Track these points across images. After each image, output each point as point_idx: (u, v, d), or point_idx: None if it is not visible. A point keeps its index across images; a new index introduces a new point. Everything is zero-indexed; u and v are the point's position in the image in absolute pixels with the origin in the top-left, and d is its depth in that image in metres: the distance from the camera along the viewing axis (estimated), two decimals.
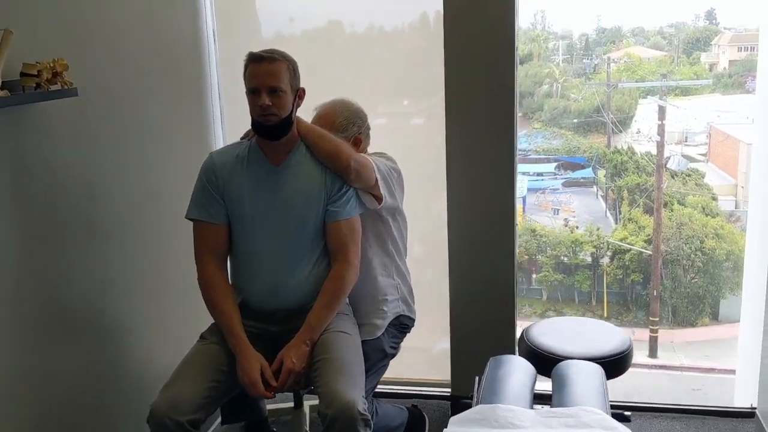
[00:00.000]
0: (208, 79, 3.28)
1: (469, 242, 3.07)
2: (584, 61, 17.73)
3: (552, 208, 15.71)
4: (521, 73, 17.97)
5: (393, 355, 2.77)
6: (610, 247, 13.90)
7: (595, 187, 16.19)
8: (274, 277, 2.46)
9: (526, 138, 17.05)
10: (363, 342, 2.62)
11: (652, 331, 13.09)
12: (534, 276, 14.29)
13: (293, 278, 2.46)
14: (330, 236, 2.48)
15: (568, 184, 16.27)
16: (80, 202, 2.52)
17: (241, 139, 2.57)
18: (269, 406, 2.98)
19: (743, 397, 3.37)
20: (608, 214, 15.44)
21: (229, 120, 3.36)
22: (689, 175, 14.17)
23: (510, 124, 3.01)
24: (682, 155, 14.48)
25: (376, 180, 2.52)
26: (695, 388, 12.13)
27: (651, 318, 13.16)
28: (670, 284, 13.51)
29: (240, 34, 3.49)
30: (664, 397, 11.76)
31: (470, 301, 3.13)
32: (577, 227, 14.63)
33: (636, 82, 16.46)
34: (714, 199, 13.73)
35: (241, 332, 2.37)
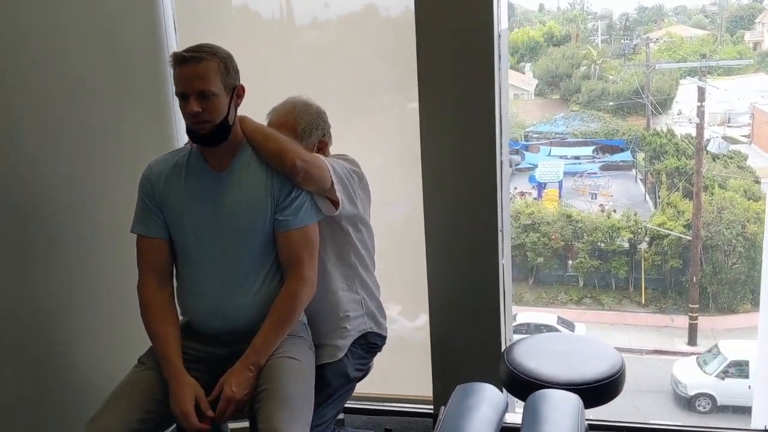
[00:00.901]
0: (168, 78, 3.02)
1: (449, 248, 2.78)
2: (623, 41, 17.15)
3: (589, 192, 15.26)
4: (558, 54, 17.69)
5: (359, 378, 2.50)
6: (648, 232, 13.42)
7: (633, 170, 15.67)
8: (218, 295, 2.21)
9: (564, 121, 16.60)
10: (323, 366, 2.36)
11: (691, 318, 12.67)
12: (570, 262, 13.88)
13: (240, 297, 2.21)
14: (281, 248, 2.22)
15: (606, 167, 15.78)
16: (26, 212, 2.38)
17: (185, 144, 2.32)
18: (232, 426, 2.74)
19: (760, 418, 3.04)
20: (647, 198, 14.94)
21: None
22: (731, 158, 13.59)
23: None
24: (723, 137, 13.89)
25: (332, 182, 2.24)
26: None
27: (690, 305, 12.72)
28: (710, 270, 13.02)
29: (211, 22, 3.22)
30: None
31: (452, 312, 2.85)
32: (614, 211, 14.17)
33: (677, 62, 15.86)
34: (757, 182, 13.13)
35: (176, 358, 2.13)
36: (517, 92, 17.12)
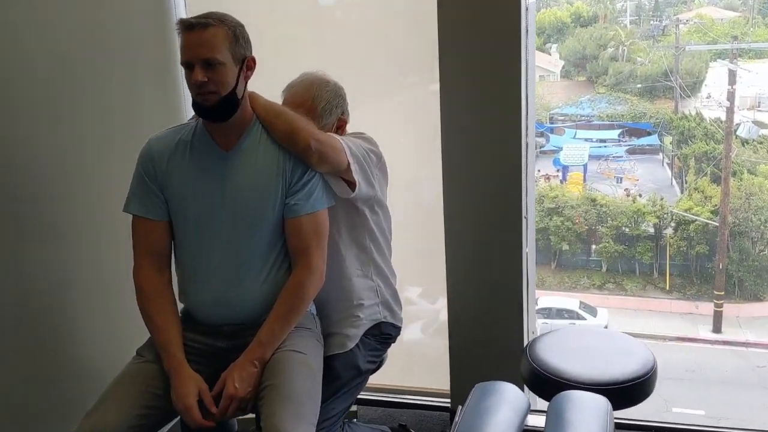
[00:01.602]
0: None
1: (470, 236, 2.60)
2: (652, 22, 16.74)
3: (615, 176, 14.96)
4: (585, 35, 17.30)
5: (373, 371, 2.35)
6: (674, 217, 13.14)
7: (660, 154, 15.34)
8: (221, 285, 2.06)
9: (590, 103, 16.27)
10: (333, 357, 2.21)
11: (716, 305, 12.42)
12: (593, 247, 13.64)
13: (244, 287, 2.05)
14: (290, 235, 2.06)
15: (633, 151, 15.47)
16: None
17: (191, 119, 2.16)
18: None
19: None
20: (674, 182, 14.63)
21: None
22: (761, 143, 13.23)
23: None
24: (753, 122, 13.52)
25: (348, 164, 2.08)
26: (760, 365, 11.50)
27: (716, 292, 12.46)
28: (737, 257, 12.74)
29: None
30: (727, 374, 11.19)
31: (472, 301, 2.67)
32: (640, 195, 13.89)
33: (707, 44, 15.46)
34: None
35: (178, 350, 1.99)
36: (542, 74, 16.81)
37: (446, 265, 2.65)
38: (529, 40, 2.51)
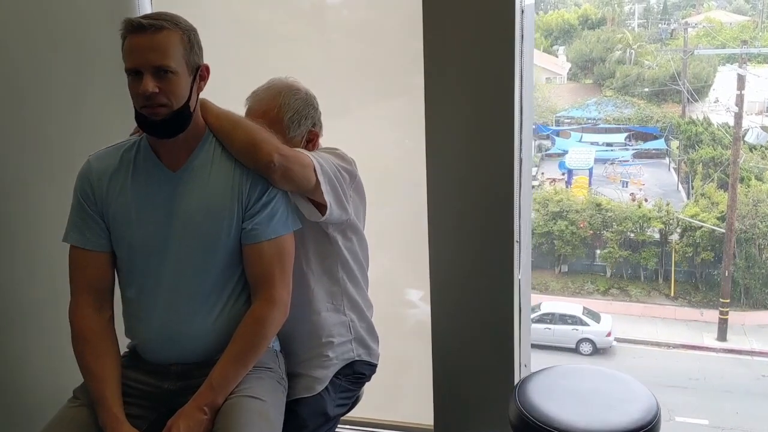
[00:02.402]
0: None
1: (457, 261, 2.34)
2: (660, 26, 16.49)
3: (620, 180, 14.72)
4: (592, 38, 17.08)
5: (342, 414, 2.08)
6: (680, 223, 12.89)
7: (667, 159, 15.09)
8: (169, 321, 1.79)
9: (596, 106, 16.04)
10: (298, 401, 1.94)
11: (722, 312, 12.20)
12: (598, 252, 13.41)
13: (195, 322, 1.79)
14: (249, 264, 1.80)
15: (639, 155, 15.23)
16: None
17: (131, 135, 1.89)
18: None
19: None
20: (680, 188, 14.38)
21: None
22: None
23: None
24: (761, 127, 13.24)
25: (318, 182, 1.81)
26: (765, 375, 11.26)
27: (722, 299, 12.21)
28: (744, 264, 12.51)
29: None
30: (731, 382, 10.95)
31: (458, 333, 2.41)
32: (645, 200, 13.64)
33: (715, 48, 15.19)
34: None
35: (114, 403, 1.72)
36: (549, 76, 16.58)
37: (431, 294, 2.39)
38: (525, 46, 2.25)
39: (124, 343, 1.88)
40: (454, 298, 2.37)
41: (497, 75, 2.16)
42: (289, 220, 1.82)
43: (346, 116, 2.66)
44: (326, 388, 1.98)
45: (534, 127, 12.95)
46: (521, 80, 2.24)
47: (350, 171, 1.95)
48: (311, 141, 2.01)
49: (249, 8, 2.70)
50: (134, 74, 1.67)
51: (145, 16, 1.67)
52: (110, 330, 1.81)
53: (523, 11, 2.20)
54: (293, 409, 1.92)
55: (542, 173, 14.35)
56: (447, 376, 2.45)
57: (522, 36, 2.22)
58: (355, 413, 2.34)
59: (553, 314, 12.18)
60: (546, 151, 15.12)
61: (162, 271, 1.78)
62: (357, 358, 2.06)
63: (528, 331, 2.55)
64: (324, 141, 2.06)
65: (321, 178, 1.82)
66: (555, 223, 13.21)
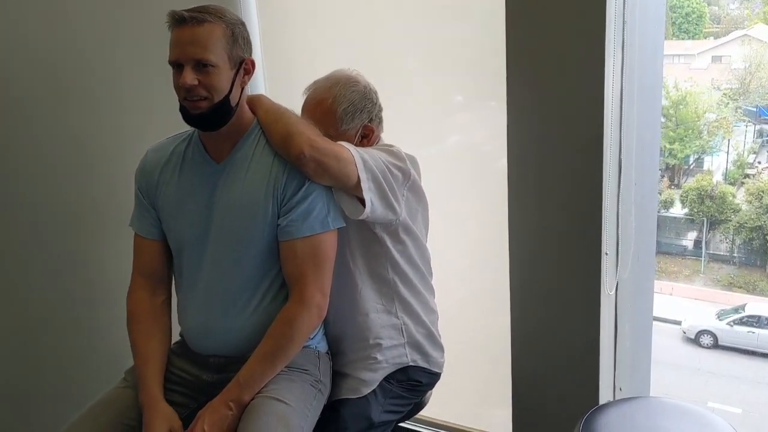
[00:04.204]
0: None
1: (537, 275, 2.13)
2: None
3: None
4: None
5: (395, 422, 1.98)
6: None
7: None
8: (206, 314, 1.80)
9: None
10: (341, 402, 1.87)
11: None
12: None
13: (230, 317, 1.78)
14: (283, 261, 1.76)
15: None
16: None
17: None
18: None
19: None
20: None
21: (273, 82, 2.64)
22: None
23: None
24: None
25: (359, 178, 1.72)
26: None
27: None
28: None
29: None
30: None
31: (537, 352, 2.20)
32: None
33: None
34: None
35: (153, 383, 1.76)
36: None
37: (511, 310, 2.20)
38: (628, 36, 1.97)
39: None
40: (534, 316, 2.18)
41: (584, 70, 1.91)
42: (329, 218, 1.74)
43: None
44: (374, 391, 1.90)
45: (754, 110, 11.74)
46: (622, 82, 1.98)
47: (403, 170, 1.84)
48: (366, 136, 1.91)
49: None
50: (176, 67, 1.67)
51: (190, 9, 1.65)
52: (162, 313, 1.85)
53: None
54: (336, 409, 1.86)
55: (759, 162, 12.95)
56: (526, 396, 2.26)
57: (624, 23, 1.95)
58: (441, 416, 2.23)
59: (759, 317, 11.02)
60: (766, 137, 13.62)
61: (201, 263, 1.79)
62: (411, 364, 1.95)
63: (631, 351, 2.29)
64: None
65: (363, 175, 1.72)
66: None
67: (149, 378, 1.77)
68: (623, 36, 1.96)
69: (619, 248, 2.11)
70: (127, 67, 2.43)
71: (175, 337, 1.92)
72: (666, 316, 10.01)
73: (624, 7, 1.95)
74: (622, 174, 2.07)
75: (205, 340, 1.82)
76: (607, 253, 2.03)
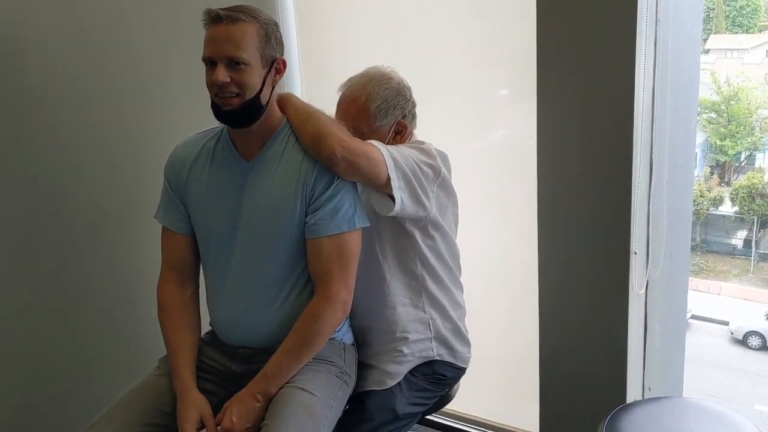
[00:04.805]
0: None
1: (566, 275, 2.13)
2: None
3: None
4: None
5: (420, 414, 2.01)
6: None
7: None
8: (235, 307, 1.86)
9: None
10: (366, 393, 1.92)
11: None
12: None
13: (257, 311, 1.84)
14: (310, 258, 1.80)
15: None
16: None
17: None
18: None
19: None
20: None
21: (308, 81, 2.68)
22: None
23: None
24: None
25: (389, 176, 1.75)
26: None
27: None
28: None
29: None
30: None
31: (567, 347, 2.20)
32: None
33: None
34: None
35: (186, 372, 1.83)
36: None
37: (539, 307, 2.21)
38: (661, 32, 1.95)
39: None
40: (562, 314, 2.19)
41: (615, 67, 1.90)
42: (356, 216, 1.78)
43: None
44: (399, 384, 1.94)
45: None
46: (654, 79, 1.96)
47: (434, 167, 1.86)
48: (400, 132, 1.94)
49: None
50: (209, 64, 1.72)
51: (226, 8, 1.70)
52: (191, 305, 1.91)
53: None
54: (362, 400, 1.91)
55: None
56: (554, 394, 2.27)
57: (656, 20, 1.94)
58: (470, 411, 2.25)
59: None
60: None
61: (230, 259, 1.84)
62: (437, 358, 1.98)
63: (662, 350, 2.27)
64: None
65: (393, 174, 1.75)
66: None
67: (181, 367, 1.83)
68: (656, 32, 1.95)
69: (650, 247, 2.10)
70: (150, 64, 2.52)
71: (206, 327, 1.99)
72: (713, 317, 9.81)
73: (657, 2, 1.94)
74: (653, 173, 2.05)
75: (233, 333, 1.88)
76: (636, 252, 2.02)
